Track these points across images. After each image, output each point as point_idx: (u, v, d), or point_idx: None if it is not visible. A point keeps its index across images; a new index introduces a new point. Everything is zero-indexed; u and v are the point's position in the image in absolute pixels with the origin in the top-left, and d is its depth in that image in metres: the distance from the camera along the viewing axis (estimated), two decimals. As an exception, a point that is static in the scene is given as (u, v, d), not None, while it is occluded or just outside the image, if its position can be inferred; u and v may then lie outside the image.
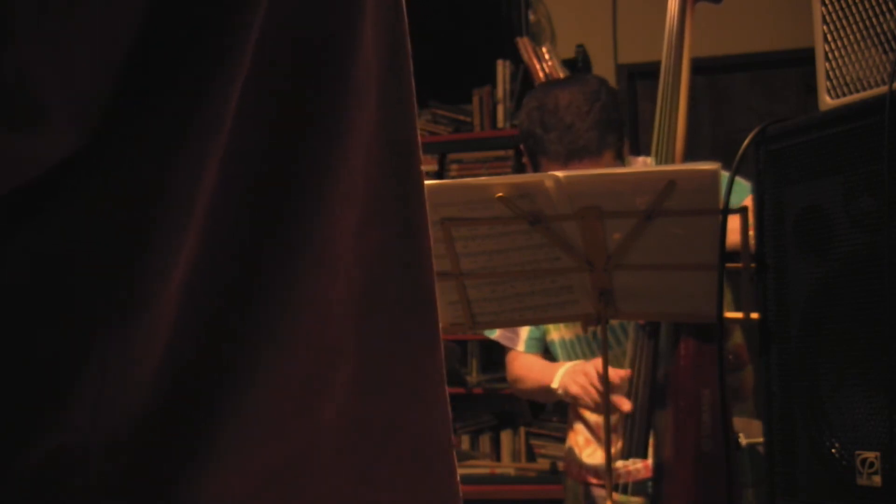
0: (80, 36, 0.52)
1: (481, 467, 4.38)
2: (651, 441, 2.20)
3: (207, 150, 0.54)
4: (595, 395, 2.21)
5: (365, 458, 0.62)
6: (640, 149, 4.24)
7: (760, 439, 1.85)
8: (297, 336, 0.58)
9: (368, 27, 0.64)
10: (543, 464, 4.34)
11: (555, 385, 2.35)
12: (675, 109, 2.24)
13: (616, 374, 2.18)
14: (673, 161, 2.21)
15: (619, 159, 2.35)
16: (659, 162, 2.23)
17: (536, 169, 2.33)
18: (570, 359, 2.45)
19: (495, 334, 2.59)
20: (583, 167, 2.24)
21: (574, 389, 2.27)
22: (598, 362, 2.26)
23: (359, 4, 0.63)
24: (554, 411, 4.34)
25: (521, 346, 2.57)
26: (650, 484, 2.22)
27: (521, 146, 2.42)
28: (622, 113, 2.41)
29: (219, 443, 0.54)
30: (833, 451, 1.65)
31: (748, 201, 1.90)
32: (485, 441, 4.46)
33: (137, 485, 0.53)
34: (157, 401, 0.53)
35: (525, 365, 2.55)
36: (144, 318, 0.53)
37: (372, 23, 0.64)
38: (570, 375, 2.31)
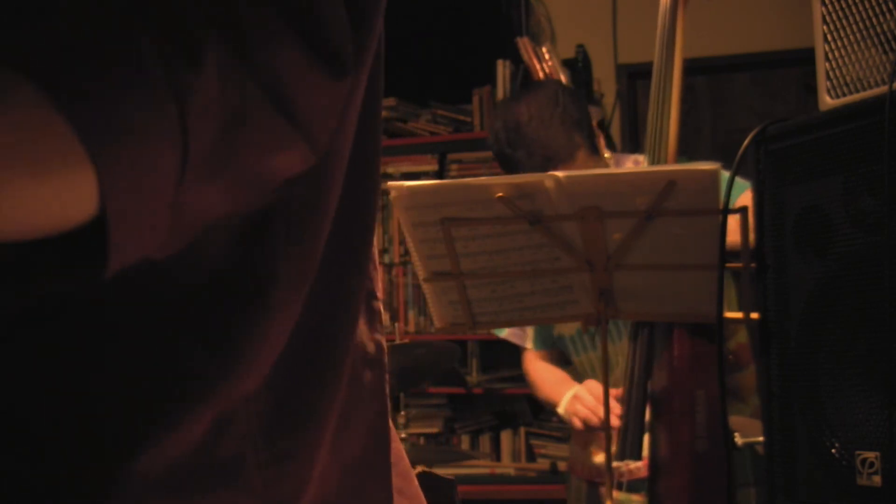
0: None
1: (481, 467, 4.37)
2: (647, 441, 2.20)
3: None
4: (594, 423, 2.28)
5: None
6: (641, 149, 4.24)
7: (759, 438, 1.85)
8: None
9: None
10: (543, 464, 4.33)
11: (560, 411, 2.44)
12: (666, 108, 2.24)
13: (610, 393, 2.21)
14: (666, 160, 2.21)
15: (595, 153, 2.36)
16: (652, 161, 2.23)
17: None
18: (577, 353, 2.48)
19: (504, 333, 2.62)
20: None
21: (576, 422, 2.36)
22: (592, 385, 2.30)
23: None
24: (554, 412, 4.34)
25: (529, 344, 2.60)
26: (648, 482, 2.23)
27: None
28: (585, 108, 2.42)
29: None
30: (833, 451, 1.65)
31: (746, 199, 1.89)
32: (485, 441, 4.46)
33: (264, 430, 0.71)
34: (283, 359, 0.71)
35: (540, 375, 2.60)
36: (276, 325, 0.69)
37: None
38: (570, 402, 2.38)
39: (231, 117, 0.54)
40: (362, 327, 0.79)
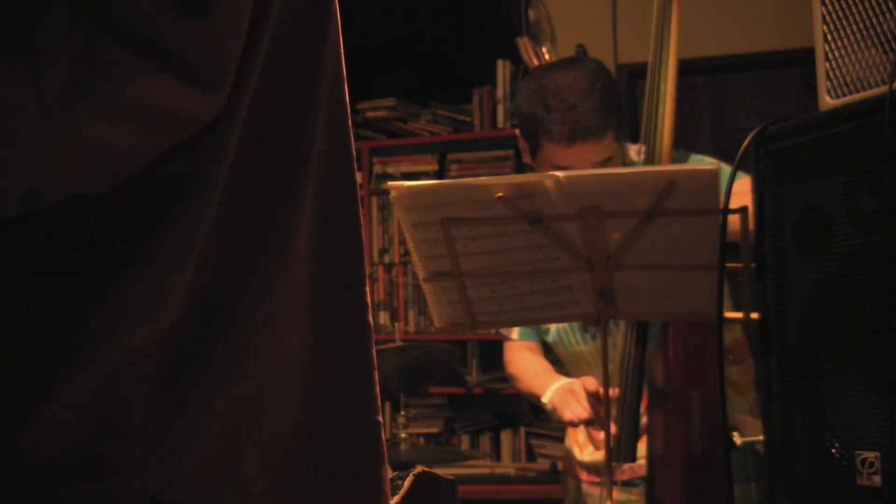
0: (244, 14, 0.68)
1: (481, 467, 4.38)
2: (644, 441, 2.20)
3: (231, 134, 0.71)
4: (581, 416, 2.23)
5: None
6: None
7: (758, 437, 1.85)
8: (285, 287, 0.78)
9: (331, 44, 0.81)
10: (543, 464, 4.34)
11: (545, 400, 2.37)
12: (661, 106, 2.23)
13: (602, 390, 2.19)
14: (660, 158, 2.21)
15: (620, 140, 2.35)
16: (648, 157, 2.23)
17: (536, 152, 2.31)
18: (561, 344, 2.46)
19: None
20: (586, 148, 2.24)
21: (562, 412, 2.30)
22: (585, 380, 2.27)
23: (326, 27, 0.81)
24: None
25: (514, 335, 2.57)
26: (645, 483, 2.23)
27: (518, 131, 2.40)
28: (620, 94, 2.40)
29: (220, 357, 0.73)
30: (833, 451, 1.65)
31: (745, 190, 1.88)
32: (485, 441, 4.46)
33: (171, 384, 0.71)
34: (182, 320, 0.70)
35: (521, 366, 2.56)
36: (184, 262, 0.69)
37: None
38: (559, 394, 2.32)
39: (79, 52, 0.59)
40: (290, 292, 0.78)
